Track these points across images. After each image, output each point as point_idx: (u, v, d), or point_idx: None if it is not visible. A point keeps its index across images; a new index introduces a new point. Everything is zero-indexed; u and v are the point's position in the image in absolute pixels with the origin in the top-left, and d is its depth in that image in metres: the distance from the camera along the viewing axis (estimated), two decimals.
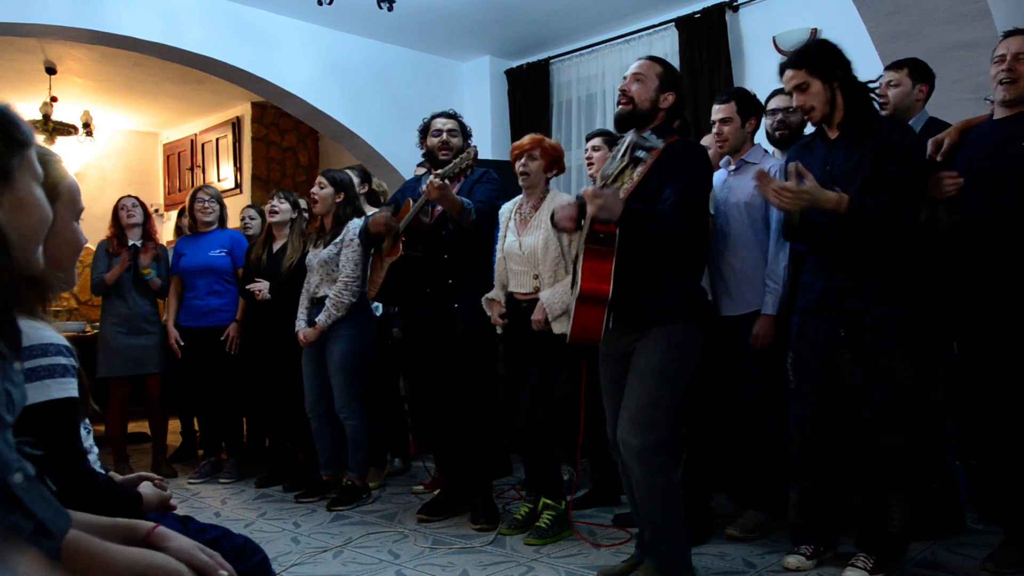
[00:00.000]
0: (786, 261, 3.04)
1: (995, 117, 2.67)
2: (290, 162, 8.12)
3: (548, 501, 3.29)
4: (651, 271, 2.49)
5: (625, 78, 2.63)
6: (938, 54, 3.61)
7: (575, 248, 2.71)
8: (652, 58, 2.69)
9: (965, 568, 2.71)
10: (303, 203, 4.50)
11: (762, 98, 3.38)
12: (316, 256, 4.00)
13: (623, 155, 2.37)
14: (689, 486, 3.12)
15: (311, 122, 6.46)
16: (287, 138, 8.10)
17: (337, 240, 3.95)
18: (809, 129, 2.95)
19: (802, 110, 2.67)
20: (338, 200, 4.01)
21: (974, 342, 2.72)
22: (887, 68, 3.30)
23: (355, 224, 3.96)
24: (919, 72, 3.20)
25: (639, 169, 2.53)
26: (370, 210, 4.38)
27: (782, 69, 2.68)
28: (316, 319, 3.90)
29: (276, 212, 4.38)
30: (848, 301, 2.61)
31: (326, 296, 3.93)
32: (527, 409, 3.30)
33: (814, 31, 4.96)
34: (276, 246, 4.42)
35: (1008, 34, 2.65)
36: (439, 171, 3.31)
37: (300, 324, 4.01)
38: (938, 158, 2.75)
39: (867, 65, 4.05)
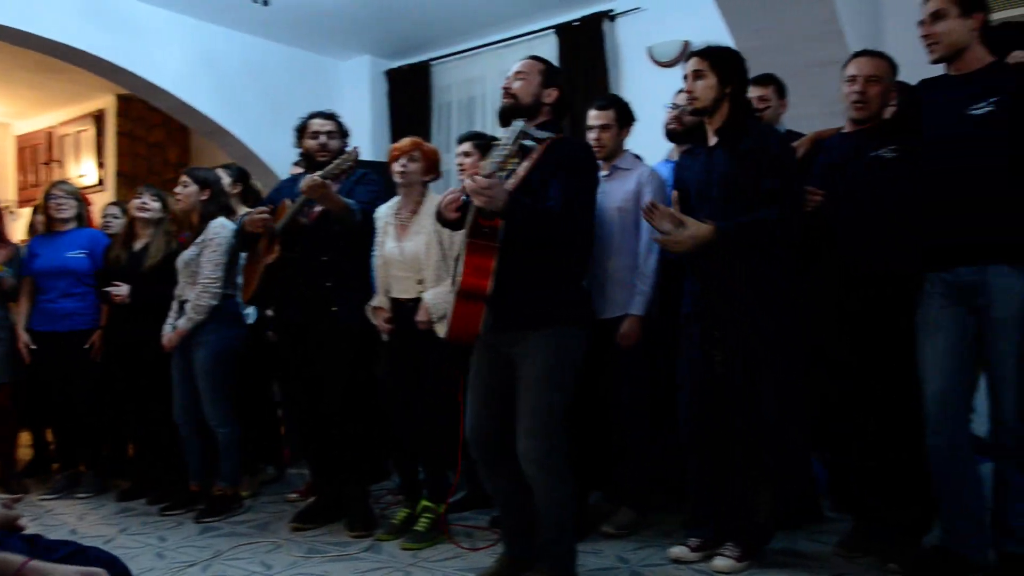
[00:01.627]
0: (656, 263, 3.13)
1: (845, 131, 2.84)
2: (158, 159, 7.74)
3: (427, 504, 3.27)
4: (533, 270, 2.47)
5: (507, 77, 2.66)
6: (797, 71, 3.83)
7: (457, 247, 2.68)
8: (534, 57, 2.72)
9: (820, 554, 2.87)
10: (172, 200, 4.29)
11: (636, 106, 3.47)
12: (181, 257, 3.84)
13: (511, 142, 2.32)
14: None
15: (181, 117, 6.21)
16: (154, 133, 7.71)
17: (199, 240, 3.80)
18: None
19: (689, 95, 2.78)
20: (203, 198, 3.86)
21: (824, 342, 2.88)
22: (754, 84, 3.46)
23: (217, 223, 3.82)
24: (782, 89, 3.41)
25: (524, 164, 2.54)
26: (243, 210, 4.24)
27: (689, 56, 2.81)
28: (177, 323, 3.74)
29: (146, 209, 4.17)
30: (722, 305, 2.72)
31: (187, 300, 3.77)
32: (415, 410, 3.26)
33: (686, 43, 5.16)
34: (137, 245, 4.20)
35: (857, 54, 2.81)
36: (320, 171, 3.24)
37: (167, 328, 3.84)
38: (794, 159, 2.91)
39: None
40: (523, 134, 2.33)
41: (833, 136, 2.89)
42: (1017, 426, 2.39)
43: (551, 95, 2.64)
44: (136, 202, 4.23)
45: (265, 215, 3.39)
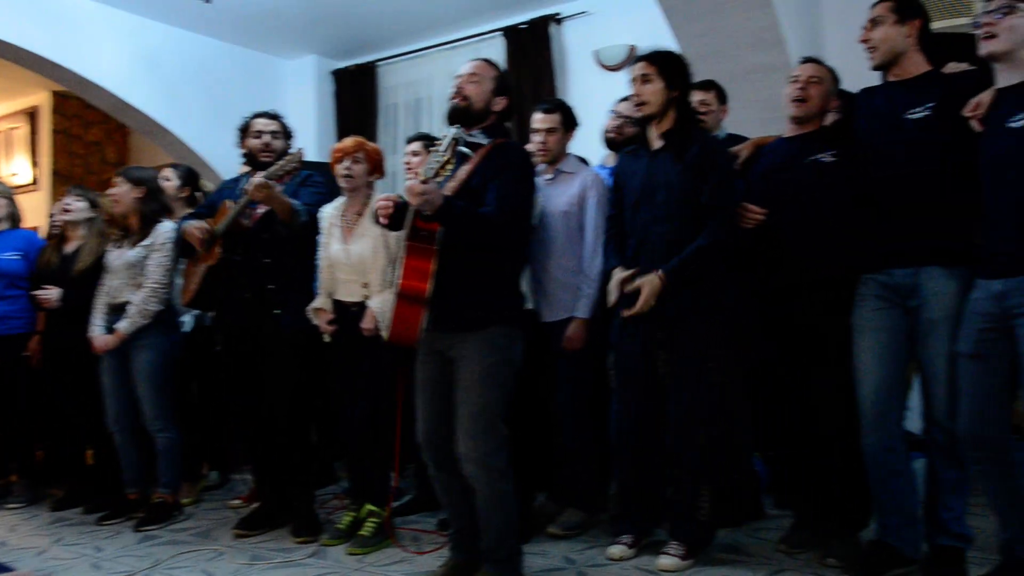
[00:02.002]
0: (601, 266, 3.15)
1: (786, 135, 2.90)
2: (95, 157, 7.55)
3: (372, 508, 3.24)
4: (470, 272, 2.49)
5: (460, 76, 2.64)
6: (739, 75, 3.91)
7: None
8: (487, 61, 2.72)
9: (762, 550, 2.93)
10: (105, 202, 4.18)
11: (583, 110, 3.49)
12: (120, 257, 3.72)
13: (445, 149, 2.37)
14: None
15: (119, 116, 6.06)
16: (92, 132, 7.53)
17: (146, 243, 3.70)
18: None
19: (637, 99, 2.82)
20: (136, 196, 3.76)
21: (764, 343, 2.94)
22: (694, 88, 3.51)
23: (167, 227, 3.74)
24: (723, 94, 3.47)
25: (465, 167, 2.55)
26: (186, 212, 4.15)
27: (637, 60, 2.86)
28: (117, 326, 3.64)
29: (70, 210, 4.05)
30: (666, 307, 2.76)
31: (127, 302, 3.67)
32: (359, 414, 3.24)
33: (632, 47, 5.22)
34: (69, 248, 4.09)
35: (805, 60, 2.89)
36: (264, 171, 3.20)
37: (96, 330, 3.72)
38: (736, 167, 2.96)
39: None
40: (457, 141, 2.38)
41: (774, 141, 2.95)
42: (948, 424, 2.46)
43: (500, 103, 2.66)
44: (59, 203, 4.11)
45: (204, 224, 3.33)
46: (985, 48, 2.30)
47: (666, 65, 2.80)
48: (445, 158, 2.37)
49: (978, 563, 2.57)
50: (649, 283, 2.70)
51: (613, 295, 2.86)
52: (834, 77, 2.85)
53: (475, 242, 2.48)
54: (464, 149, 2.44)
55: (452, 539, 2.76)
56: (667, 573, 2.74)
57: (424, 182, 2.32)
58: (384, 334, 2.76)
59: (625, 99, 3.33)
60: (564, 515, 3.26)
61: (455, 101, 2.62)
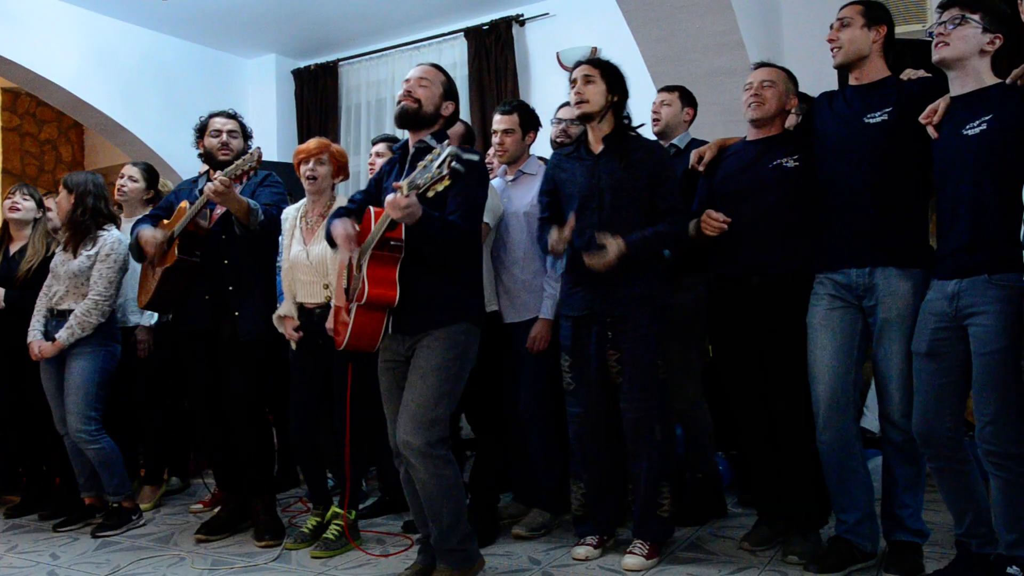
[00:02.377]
0: (564, 267, 3.16)
1: (748, 139, 2.94)
2: (49, 156, 7.39)
3: (337, 510, 3.22)
4: (432, 276, 2.53)
5: (410, 80, 2.67)
6: (699, 79, 3.96)
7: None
8: (435, 66, 2.75)
9: (726, 549, 2.96)
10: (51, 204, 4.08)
11: (545, 111, 3.51)
12: (64, 264, 3.63)
13: (440, 166, 2.26)
14: (476, 488, 3.18)
15: (74, 114, 5.94)
16: (46, 130, 7.36)
17: (90, 251, 3.61)
18: None
19: (578, 97, 2.86)
20: (71, 201, 3.67)
21: (723, 343, 2.99)
22: (661, 90, 3.57)
23: (113, 237, 3.64)
24: (687, 97, 3.51)
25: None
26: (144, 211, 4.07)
27: (578, 64, 2.91)
28: (57, 335, 3.54)
29: (18, 209, 3.95)
30: (613, 307, 2.80)
31: (69, 310, 3.58)
32: (335, 418, 3.20)
33: (594, 49, 5.25)
34: (13, 248, 3.99)
35: (757, 65, 2.95)
36: (222, 171, 3.16)
37: (35, 335, 3.62)
38: (700, 168, 3.01)
39: (639, 84, 4.36)
40: (452, 159, 2.27)
41: (737, 143, 2.99)
42: (903, 422, 2.52)
43: (448, 108, 2.70)
44: (6, 202, 4.01)
45: (160, 236, 3.28)
46: (938, 54, 2.36)
47: (608, 70, 2.87)
48: (440, 175, 2.26)
49: (935, 558, 2.65)
50: (616, 244, 2.71)
51: (558, 244, 2.80)
52: (789, 76, 2.91)
53: (441, 250, 2.51)
54: (457, 166, 2.30)
55: (420, 543, 2.77)
56: (632, 573, 2.76)
57: (407, 195, 2.30)
58: (342, 342, 2.67)
59: (564, 105, 3.36)
60: (529, 516, 3.27)
61: (405, 103, 2.64)
